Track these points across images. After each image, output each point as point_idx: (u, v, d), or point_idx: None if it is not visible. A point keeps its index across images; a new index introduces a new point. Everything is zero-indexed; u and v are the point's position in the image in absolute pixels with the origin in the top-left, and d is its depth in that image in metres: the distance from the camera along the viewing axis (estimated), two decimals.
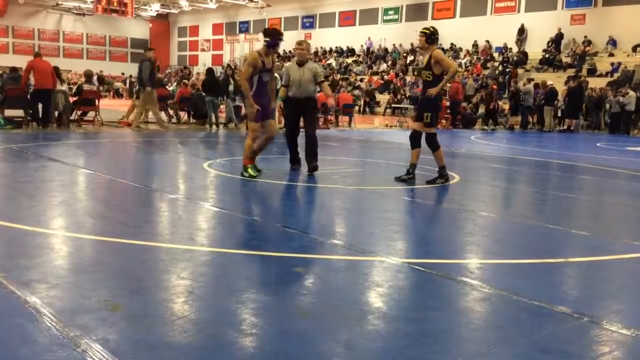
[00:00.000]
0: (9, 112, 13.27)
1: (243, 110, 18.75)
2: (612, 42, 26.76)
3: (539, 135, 19.54)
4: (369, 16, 37.17)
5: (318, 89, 8.41)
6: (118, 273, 3.47)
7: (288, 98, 8.12)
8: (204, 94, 16.11)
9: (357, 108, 24.41)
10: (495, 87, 21.31)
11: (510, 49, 29.89)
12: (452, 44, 32.72)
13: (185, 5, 43.59)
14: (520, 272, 3.92)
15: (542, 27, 28.75)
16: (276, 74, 15.21)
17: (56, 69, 13.62)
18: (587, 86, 22.59)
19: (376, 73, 32.87)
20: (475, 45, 31.72)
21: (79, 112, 14.64)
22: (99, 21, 46.45)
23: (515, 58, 28.94)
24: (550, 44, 28.45)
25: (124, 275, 3.43)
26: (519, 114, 21.56)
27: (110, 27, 48.16)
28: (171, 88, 22.64)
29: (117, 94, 37.44)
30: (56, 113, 13.57)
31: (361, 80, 32.23)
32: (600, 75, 25.00)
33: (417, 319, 2.98)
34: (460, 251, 4.50)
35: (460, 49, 32.30)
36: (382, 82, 30.20)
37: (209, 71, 16.66)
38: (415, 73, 29.61)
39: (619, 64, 24.84)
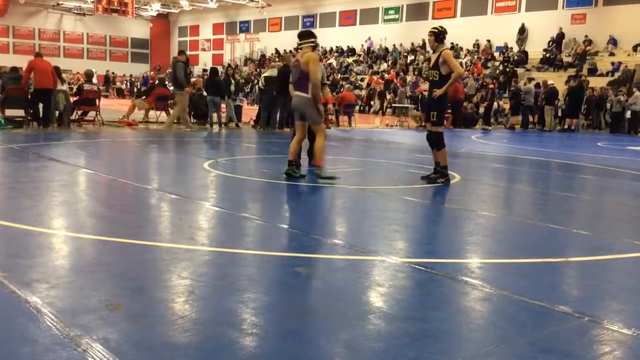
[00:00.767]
0: (9, 112, 13.28)
1: (243, 109, 18.82)
2: (613, 42, 26.75)
3: (540, 135, 19.53)
4: (369, 16, 37.17)
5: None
6: (118, 273, 3.47)
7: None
8: (205, 93, 16.12)
9: (356, 107, 24.39)
10: (492, 86, 21.27)
11: (511, 48, 29.89)
12: (452, 43, 32.68)
13: (186, 5, 43.60)
14: (521, 272, 3.92)
15: (543, 27, 28.75)
16: (275, 73, 15.31)
17: (57, 68, 13.63)
18: (588, 86, 22.58)
19: (376, 73, 32.86)
20: (476, 44, 31.72)
21: (79, 112, 14.65)
22: (99, 21, 46.47)
23: (515, 57, 28.94)
24: (550, 44, 28.45)
25: (124, 275, 3.43)
26: (520, 113, 21.56)
27: (111, 27, 48.17)
28: (171, 88, 22.62)
29: (119, 94, 37.43)
30: (57, 113, 13.58)
31: (362, 79, 32.24)
32: (601, 75, 24.99)
33: (417, 319, 2.98)
34: (460, 251, 4.50)
35: (461, 49, 32.28)
36: (382, 81, 30.18)
37: (212, 71, 16.69)
38: (416, 73, 29.65)
39: (620, 63, 24.82)
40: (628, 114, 20.98)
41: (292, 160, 7.34)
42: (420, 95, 21.42)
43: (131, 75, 40.42)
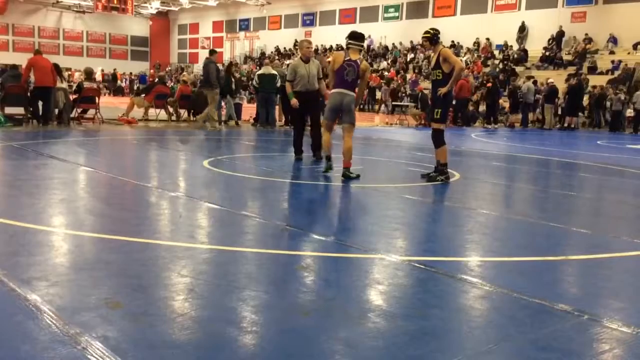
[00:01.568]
0: (9, 110, 13.28)
1: (243, 107, 18.82)
2: (613, 40, 26.75)
3: (539, 133, 19.53)
4: (369, 14, 37.16)
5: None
6: (118, 271, 3.47)
7: (296, 92, 8.71)
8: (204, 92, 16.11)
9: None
10: (489, 84, 21.25)
11: (511, 46, 29.88)
12: (452, 41, 32.68)
13: (186, 3, 43.59)
14: (521, 270, 3.92)
15: (543, 25, 28.75)
16: (275, 72, 15.31)
17: (56, 66, 13.62)
18: (588, 84, 22.58)
19: (376, 71, 32.85)
20: (476, 43, 31.71)
21: (79, 110, 14.64)
22: (99, 19, 46.45)
23: (515, 56, 28.93)
24: (550, 42, 28.44)
25: (124, 273, 3.43)
26: (519, 111, 21.56)
27: (111, 25, 48.16)
28: (171, 85, 22.63)
29: (119, 92, 37.46)
30: (56, 111, 13.58)
31: None
32: (601, 73, 24.99)
33: (417, 317, 2.98)
34: (460, 249, 4.50)
35: (461, 47, 32.27)
36: (382, 80, 30.18)
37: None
38: (416, 71, 29.63)
39: (620, 61, 24.82)
40: (629, 112, 20.99)
41: (330, 155, 7.66)
42: (420, 94, 21.41)
43: (131, 73, 40.42)
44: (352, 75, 7.34)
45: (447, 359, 2.51)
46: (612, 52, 26.33)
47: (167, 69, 44.19)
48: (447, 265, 3.87)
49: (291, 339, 2.66)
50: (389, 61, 34.05)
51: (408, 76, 29.39)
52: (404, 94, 27.10)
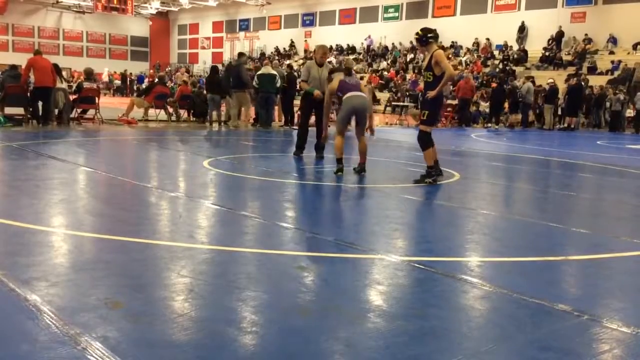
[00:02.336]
0: (9, 110, 13.27)
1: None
2: (613, 40, 26.76)
3: (539, 133, 19.53)
4: (369, 14, 37.18)
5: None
6: (118, 271, 3.47)
7: (307, 93, 9.16)
8: (205, 91, 16.13)
9: None
10: (494, 85, 21.29)
11: (511, 47, 29.88)
12: (452, 41, 32.70)
13: (186, 3, 43.59)
14: (521, 270, 3.92)
15: (543, 25, 28.76)
16: (275, 72, 15.32)
17: (56, 66, 13.62)
18: (588, 84, 22.58)
19: (376, 71, 32.86)
20: (475, 43, 31.71)
21: (79, 110, 14.64)
22: (99, 19, 46.46)
23: (515, 56, 28.93)
24: (550, 42, 28.45)
25: (124, 273, 3.43)
26: (519, 112, 21.56)
27: (110, 25, 48.17)
28: (170, 85, 22.66)
29: (118, 92, 37.45)
30: (56, 111, 13.57)
31: (361, 78, 32.21)
32: (601, 74, 25.00)
33: (417, 317, 2.98)
34: (460, 249, 4.50)
35: (461, 47, 32.29)
36: (381, 80, 30.20)
37: (212, 69, 16.68)
38: (416, 71, 29.61)
39: (620, 61, 24.82)
40: (628, 112, 21.00)
41: (341, 158, 7.70)
42: (419, 94, 21.42)
43: (131, 74, 40.42)
44: (353, 80, 7.80)
45: (446, 359, 2.51)
46: (611, 53, 26.34)
47: (166, 69, 44.17)
48: (446, 266, 3.87)
49: (291, 339, 2.66)
50: (389, 61, 34.05)
51: (408, 76, 29.38)
52: (404, 95, 27.13)
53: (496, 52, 30.42)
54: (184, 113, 17.33)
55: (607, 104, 21.34)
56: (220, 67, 19.25)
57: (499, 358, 2.58)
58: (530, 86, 21.22)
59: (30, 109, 13.26)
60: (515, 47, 29.82)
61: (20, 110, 13.32)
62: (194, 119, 17.08)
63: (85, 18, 46.58)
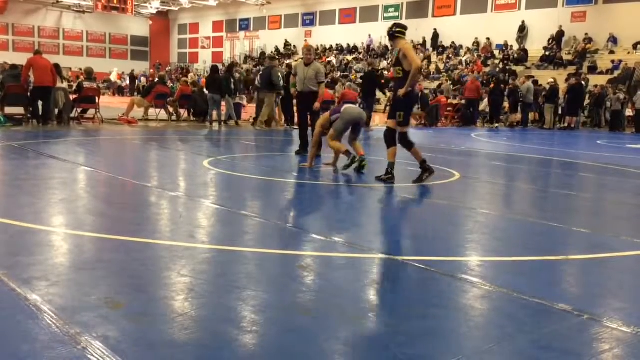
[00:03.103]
0: (9, 110, 13.27)
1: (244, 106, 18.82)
2: (613, 40, 26.75)
3: (540, 133, 19.53)
4: (369, 13, 37.16)
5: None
6: (118, 271, 3.48)
7: (298, 93, 9.52)
8: (205, 91, 16.13)
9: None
10: (492, 85, 21.27)
11: (511, 46, 29.87)
12: (452, 41, 32.70)
13: (186, 3, 43.56)
14: (521, 270, 3.92)
15: (543, 25, 28.75)
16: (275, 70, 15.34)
17: (57, 66, 13.62)
18: (588, 84, 22.57)
19: (376, 70, 32.82)
20: (475, 42, 31.70)
21: (79, 110, 14.64)
22: (99, 19, 46.43)
23: (515, 56, 28.92)
24: (551, 42, 28.43)
25: (124, 273, 3.43)
26: (519, 111, 21.56)
27: (111, 25, 48.14)
28: (171, 85, 22.66)
29: (119, 92, 37.43)
30: (56, 110, 13.57)
31: (362, 77, 32.19)
32: (601, 73, 24.99)
33: (417, 317, 2.98)
34: (460, 249, 4.50)
35: (461, 47, 32.28)
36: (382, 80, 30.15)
37: (212, 69, 16.69)
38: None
39: (620, 61, 24.81)
40: (628, 112, 21.00)
41: (347, 150, 7.92)
42: (419, 93, 21.39)
43: (123, 73, 40.43)
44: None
45: (447, 359, 2.51)
46: (612, 52, 26.33)
47: (167, 69, 44.16)
48: (446, 265, 3.87)
49: (291, 338, 2.66)
50: (389, 61, 34.02)
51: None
52: None
53: (496, 52, 30.41)
54: (184, 113, 17.33)
55: (608, 104, 21.34)
56: (220, 66, 19.27)
57: (499, 358, 2.58)
58: (531, 86, 21.22)
59: (30, 109, 13.27)
60: (516, 46, 29.81)
61: (20, 110, 13.32)
62: (194, 118, 17.09)
63: (86, 18, 46.55)
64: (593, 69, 25.41)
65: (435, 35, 33.60)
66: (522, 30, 29.67)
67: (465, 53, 31.30)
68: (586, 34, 27.33)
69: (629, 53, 25.67)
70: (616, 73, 24.15)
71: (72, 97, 14.26)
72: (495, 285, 3.47)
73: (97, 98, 14.82)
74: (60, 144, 10.47)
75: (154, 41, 51.27)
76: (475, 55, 30.68)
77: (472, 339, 2.77)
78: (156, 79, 19.00)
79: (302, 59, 9.77)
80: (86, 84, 14.46)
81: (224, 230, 4.81)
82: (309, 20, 41.21)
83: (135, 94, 29.94)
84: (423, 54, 32.82)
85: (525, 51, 28.91)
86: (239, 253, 4.03)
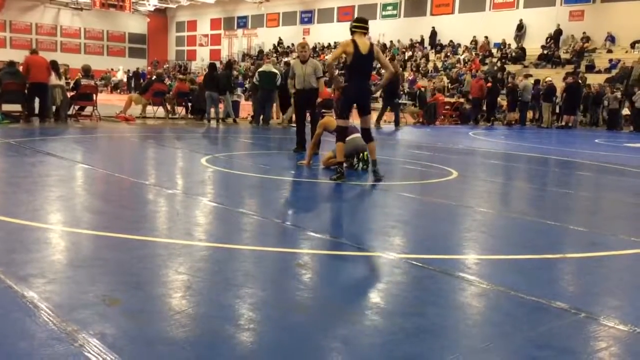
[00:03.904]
0: (6, 107, 13.23)
1: (241, 105, 18.81)
2: (611, 39, 26.77)
3: (537, 132, 19.55)
4: (367, 11, 37.07)
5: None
6: (116, 268, 3.47)
7: (296, 90, 9.47)
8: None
9: None
10: (489, 84, 21.27)
11: (509, 45, 29.88)
12: (450, 40, 32.70)
13: (183, 0, 43.49)
14: (518, 268, 3.93)
15: (541, 23, 28.76)
16: (275, 69, 15.32)
17: (55, 63, 13.57)
18: (585, 82, 22.59)
19: (374, 68, 32.82)
20: (473, 41, 31.71)
21: (76, 107, 14.61)
22: (96, 16, 46.33)
23: (513, 54, 28.93)
24: (548, 40, 28.45)
25: (121, 270, 3.43)
26: (517, 110, 21.58)
27: (108, 22, 48.04)
28: (169, 83, 22.65)
29: (115, 89, 37.36)
30: (54, 108, 13.53)
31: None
32: (599, 72, 25.01)
33: (414, 315, 2.98)
34: (457, 247, 4.51)
35: (459, 45, 32.28)
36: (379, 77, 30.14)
37: (211, 66, 16.66)
38: (414, 69, 29.60)
39: (618, 60, 24.84)
40: (624, 111, 21.02)
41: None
42: (417, 92, 21.46)
43: (128, 70, 40.31)
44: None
45: (444, 357, 2.52)
46: (609, 51, 26.36)
47: (164, 66, 44.08)
48: (444, 263, 3.88)
49: (288, 336, 2.66)
50: (387, 59, 34.03)
51: (406, 74, 29.36)
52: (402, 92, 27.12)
53: (494, 50, 30.42)
54: (181, 110, 17.31)
55: (605, 103, 21.36)
56: (218, 64, 19.24)
57: (496, 356, 2.58)
58: (528, 84, 21.23)
59: (27, 106, 13.21)
60: (514, 45, 29.82)
61: (17, 107, 13.29)
62: (192, 116, 17.07)
63: (83, 15, 46.42)
64: (591, 68, 25.43)
65: (433, 34, 33.59)
66: (520, 28, 29.67)
67: (463, 51, 31.30)
68: (584, 33, 27.35)
69: (626, 52, 25.70)
70: (614, 72, 24.18)
71: (69, 94, 14.23)
72: (493, 283, 3.48)
73: (94, 95, 14.78)
74: (57, 142, 10.45)
75: (152, 38, 51.18)
76: (473, 53, 30.68)
77: (469, 337, 2.77)
78: (154, 77, 18.98)
79: (297, 57, 9.73)
80: (83, 81, 14.42)
81: (222, 227, 4.81)
82: (307, 17, 41.18)
83: (133, 91, 29.87)
84: (421, 52, 32.83)
85: (523, 50, 28.92)
86: (236, 251, 4.03)
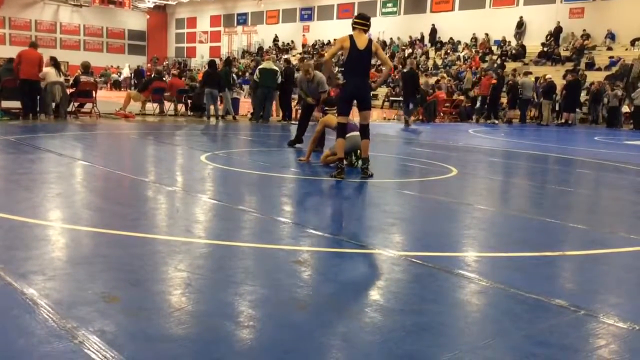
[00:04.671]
0: (5, 104, 13.20)
1: (240, 102, 18.79)
2: (611, 36, 26.76)
3: (537, 129, 19.54)
4: (367, 8, 36.94)
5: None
6: (115, 265, 3.47)
7: (303, 101, 10.25)
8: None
9: None
10: (494, 81, 21.25)
11: (509, 42, 29.85)
12: (451, 37, 32.67)
13: None
14: (517, 266, 3.93)
15: (541, 21, 28.74)
16: (275, 67, 15.31)
17: (55, 59, 13.52)
18: (585, 80, 22.58)
19: (373, 66, 32.79)
20: (473, 38, 31.68)
21: (76, 104, 14.59)
22: (96, 13, 46.29)
23: (513, 51, 28.90)
24: (548, 38, 28.43)
25: (121, 268, 3.43)
26: (517, 107, 21.56)
27: (108, 19, 47.97)
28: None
29: (115, 86, 37.32)
30: (53, 105, 13.49)
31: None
32: (599, 69, 25.00)
33: (414, 312, 2.98)
34: (457, 244, 4.51)
35: (459, 42, 32.25)
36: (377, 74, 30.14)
37: (211, 63, 16.64)
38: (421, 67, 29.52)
39: (618, 57, 24.82)
40: (624, 108, 21.02)
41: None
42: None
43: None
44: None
45: (443, 354, 2.52)
46: (609, 48, 26.34)
47: (164, 63, 44.02)
48: (444, 261, 3.88)
49: (288, 333, 2.66)
50: (387, 56, 34.04)
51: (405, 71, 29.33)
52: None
53: (494, 48, 30.39)
54: (181, 107, 17.29)
55: (605, 100, 21.35)
56: (217, 61, 19.21)
57: (496, 353, 2.58)
58: (528, 81, 21.21)
59: (23, 103, 13.11)
60: (514, 42, 29.79)
61: (17, 104, 13.25)
62: (192, 113, 17.05)
63: (83, 11, 46.37)
64: (591, 65, 25.42)
65: (434, 31, 33.56)
66: (520, 26, 29.65)
67: (463, 49, 31.28)
68: (584, 30, 27.33)
69: (626, 49, 25.69)
70: (614, 69, 24.17)
71: (69, 91, 14.20)
72: (492, 280, 3.48)
73: (94, 92, 14.76)
74: (57, 138, 10.44)
75: (151, 35, 51.11)
76: (473, 51, 30.65)
77: (468, 335, 2.77)
78: (153, 75, 18.96)
79: (306, 53, 10.23)
80: (83, 78, 14.40)
81: (221, 225, 4.81)
82: (307, 15, 41.13)
83: (133, 88, 29.84)
84: (421, 49, 32.80)
85: (523, 47, 28.90)
86: (236, 248, 4.02)
